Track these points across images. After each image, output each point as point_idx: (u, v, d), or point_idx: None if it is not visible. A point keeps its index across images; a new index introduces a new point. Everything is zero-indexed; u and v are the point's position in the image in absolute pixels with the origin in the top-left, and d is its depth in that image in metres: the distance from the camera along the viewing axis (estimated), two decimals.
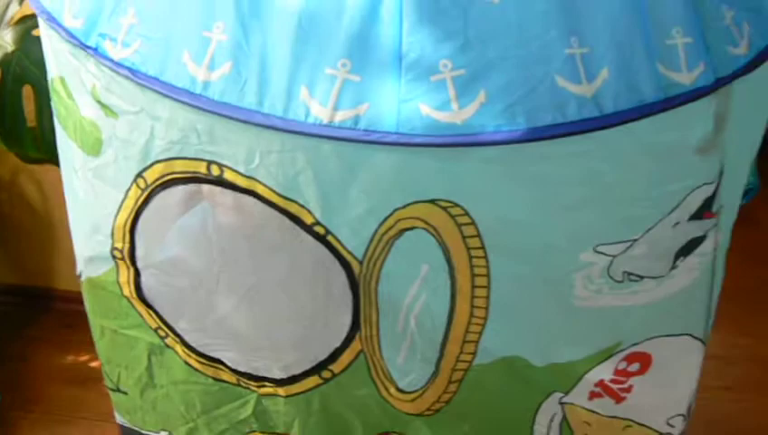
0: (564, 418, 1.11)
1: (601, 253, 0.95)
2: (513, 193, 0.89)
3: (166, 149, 0.95)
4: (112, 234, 1.06)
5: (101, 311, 1.15)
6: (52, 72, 1.06)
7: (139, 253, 1.06)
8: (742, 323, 2.00)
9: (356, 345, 1.02)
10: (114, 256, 1.08)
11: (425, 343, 1.00)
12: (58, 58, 1.03)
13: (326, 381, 1.06)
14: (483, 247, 0.91)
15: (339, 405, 1.08)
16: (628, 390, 1.10)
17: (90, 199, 1.08)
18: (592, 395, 1.08)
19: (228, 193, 0.93)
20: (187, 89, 0.89)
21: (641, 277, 0.99)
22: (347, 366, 1.04)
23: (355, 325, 1.00)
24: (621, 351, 1.05)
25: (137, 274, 1.07)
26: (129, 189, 1.01)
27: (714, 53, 0.92)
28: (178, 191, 0.97)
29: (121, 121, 0.98)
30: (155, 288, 1.07)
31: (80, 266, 1.14)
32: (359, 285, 0.96)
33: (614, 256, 0.96)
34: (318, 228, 0.92)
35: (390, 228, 0.90)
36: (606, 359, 1.05)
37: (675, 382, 1.13)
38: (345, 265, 0.95)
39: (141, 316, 1.11)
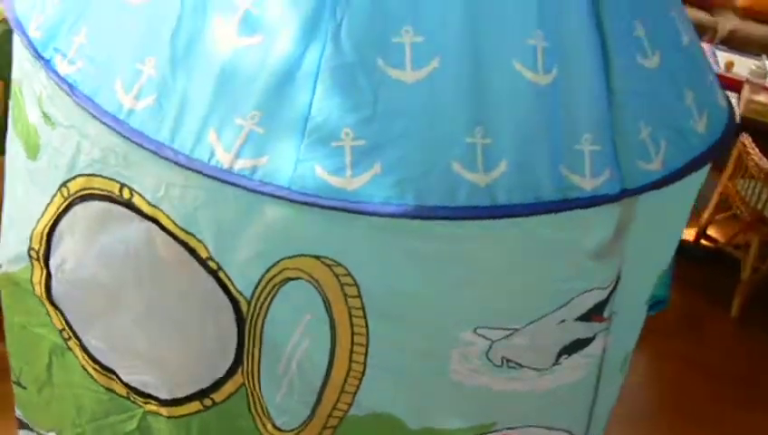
0: None
1: (481, 335, 0.98)
2: (398, 264, 0.91)
3: (88, 164, 1.00)
4: (31, 236, 1.11)
5: (14, 306, 1.19)
6: (15, 73, 1.12)
7: (52, 259, 1.10)
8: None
9: (238, 378, 1.05)
10: (30, 256, 1.12)
11: (303, 386, 1.03)
12: (20, 62, 1.09)
13: (207, 408, 1.08)
14: (362, 308, 0.94)
15: (217, 433, 1.10)
16: None
17: (23, 200, 1.13)
18: None
19: (135, 218, 0.98)
20: (113, 114, 0.93)
21: (521, 366, 1.02)
22: (227, 397, 1.06)
23: (238, 359, 1.03)
24: (496, 431, 1.08)
25: (48, 276, 1.11)
26: (54, 196, 1.05)
27: (624, 164, 0.96)
28: (93, 206, 1.01)
29: (57, 132, 1.02)
30: (63, 293, 1.11)
31: (0, 259, 1.19)
32: (245, 322, 0.99)
33: (493, 341, 0.99)
34: (211, 263, 0.96)
35: (276, 275, 0.93)
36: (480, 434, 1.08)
37: None
38: (234, 301, 0.98)
39: (49, 316, 1.14)
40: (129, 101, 0.92)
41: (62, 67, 0.98)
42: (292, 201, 0.86)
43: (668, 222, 1.08)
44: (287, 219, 0.88)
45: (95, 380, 1.14)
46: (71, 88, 0.96)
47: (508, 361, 1.01)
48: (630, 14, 1.00)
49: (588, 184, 0.93)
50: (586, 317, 1.02)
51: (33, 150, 1.08)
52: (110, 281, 1.06)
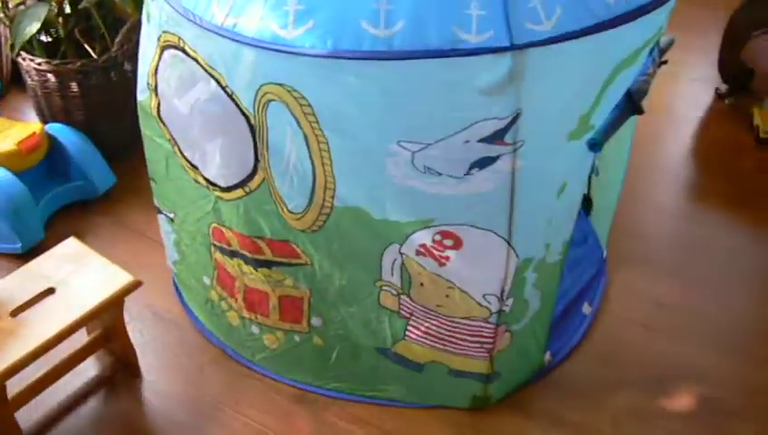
0: (403, 263, 1.55)
1: (403, 147, 1.37)
2: (334, 92, 1.33)
3: (164, 23, 1.51)
4: (148, 72, 1.65)
5: (144, 123, 1.76)
6: None
7: (158, 88, 1.64)
8: None
9: (261, 173, 1.53)
10: (148, 87, 1.67)
11: (300, 182, 1.48)
12: None
13: (247, 194, 1.57)
14: (318, 123, 1.37)
15: (255, 213, 1.60)
16: (447, 258, 1.51)
17: (145, 48, 1.68)
18: (418, 252, 1.51)
19: (186, 59, 1.48)
20: None
21: (440, 173, 1.39)
22: (257, 186, 1.55)
23: (257, 158, 1.51)
24: (435, 226, 1.47)
25: (158, 102, 1.66)
26: (156, 46, 1.59)
27: (514, 26, 1.28)
28: (169, 52, 1.54)
29: (154, 4, 1.55)
30: (166, 114, 1.66)
31: (138, 92, 1.76)
32: (255, 130, 1.47)
33: (413, 152, 1.37)
34: (228, 89, 1.44)
35: (262, 97, 1.38)
36: (423, 228, 1.47)
37: (485, 265, 1.52)
38: (245, 116, 1.45)
39: (162, 130, 1.70)
40: None
41: None
42: (256, 46, 1.31)
43: (571, 74, 1.36)
44: (256, 58, 1.33)
45: (189, 173, 1.69)
46: None
47: (429, 168, 1.39)
48: None
49: (473, 39, 1.27)
50: (489, 140, 1.36)
51: (147, 17, 1.62)
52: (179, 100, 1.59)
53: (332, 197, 1.48)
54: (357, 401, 1.78)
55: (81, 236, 1.87)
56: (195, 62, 1.47)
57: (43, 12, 2.10)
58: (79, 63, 2.15)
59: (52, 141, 2.15)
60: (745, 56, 2.71)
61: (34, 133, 2.09)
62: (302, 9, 1.29)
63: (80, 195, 2.22)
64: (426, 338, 1.66)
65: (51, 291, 1.63)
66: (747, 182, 2.49)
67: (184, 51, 1.48)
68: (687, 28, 3.21)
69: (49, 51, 2.24)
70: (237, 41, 1.33)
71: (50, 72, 2.16)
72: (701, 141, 2.70)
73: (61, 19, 2.21)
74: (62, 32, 2.23)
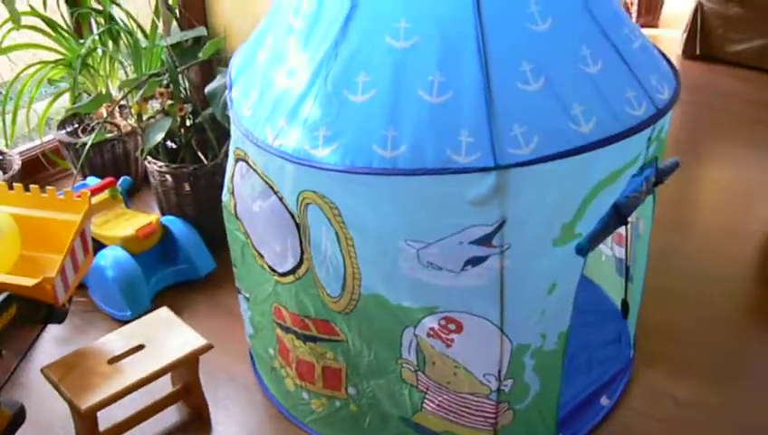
0: (418, 344, 1.84)
1: (409, 245, 1.69)
2: (355, 200, 1.67)
3: (237, 140, 1.92)
4: (228, 179, 2.07)
5: (227, 219, 2.16)
6: None
7: (235, 192, 2.05)
8: None
9: (306, 263, 1.89)
10: (228, 191, 2.08)
11: (335, 271, 1.82)
12: None
13: (297, 279, 1.93)
14: (344, 223, 1.72)
15: (303, 295, 1.94)
16: (452, 340, 1.80)
17: (228, 161, 2.10)
18: (429, 335, 1.81)
19: (251, 171, 1.88)
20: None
21: (440, 268, 1.70)
22: (304, 274, 1.90)
23: (302, 251, 1.87)
24: (440, 312, 1.77)
25: (235, 202, 2.06)
26: (233, 158, 2.00)
27: (497, 150, 1.59)
28: (240, 164, 1.95)
29: (232, 124, 1.97)
30: (241, 212, 2.05)
31: (222, 195, 2.17)
32: (300, 228, 1.83)
33: (417, 250, 1.69)
34: (279, 194, 1.81)
35: (302, 201, 1.75)
36: (430, 314, 1.77)
37: (482, 348, 1.80)
38: (292, 216, 1.82)
39: (238, 224, 2.09)
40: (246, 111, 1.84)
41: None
42: (293, 162, 1.69)
43: (550, 189, 1.65)
44: (295, 171, 1.71)
45: (257, 261, 2.07)
46: None
47: (431, 263, 1.70)
48: (518, 56, 1.62)
49: (463, 159, 1.60)
50: (478, 242, 1.66)
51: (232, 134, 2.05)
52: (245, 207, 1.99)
53: (359, 285, 1.82)
54: None
55: (180, 311, 2.27)
56: (255, 173, 1.86)
57: (167, 124, 2.59)
58: (192, 168, 2.63)
59: (166, 230, 2.61)
60: None
61: (151, 223, 2.55)
62: (329, 135, 1.66)
63: (184, 276, 2.65)
64: (439, 410, 1.93)
65: (141, 347, 2.03)
66: None
67: (248, 163, 1.88)
68: (740, 145, 3.40)
69: (172, 156, 2.73)
70: (282, 157, 1.72)
71: (168, 173, 2.65)
72: (756, 256, 2.85)
73: (183, 130, 2.71)
74: (183, 140, 2.72)
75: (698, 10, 4.17)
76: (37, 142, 3.09)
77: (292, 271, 1.94)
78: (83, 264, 2.10)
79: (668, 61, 2.01)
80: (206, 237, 2.66)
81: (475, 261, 1.69)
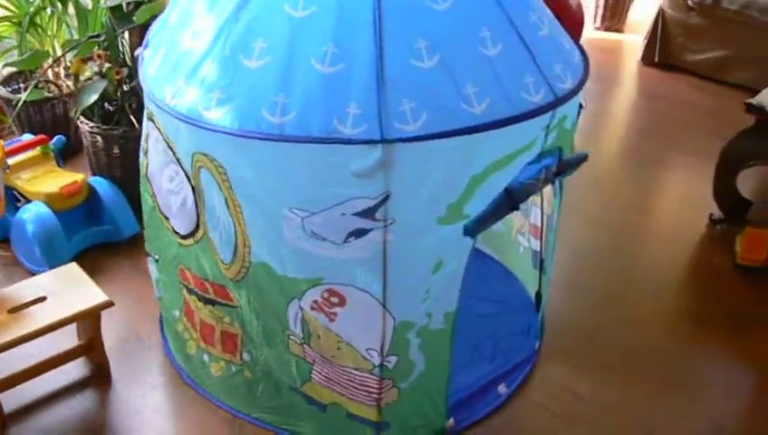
0: (303, 317, 1.86)
1: (294, 213, 1.70)
2: (242, 164, 1.69)
3: (146, 99, 1.94)
4: (143, 138, 2.09)
5: (141, 182, 2.17)
6: None
7: (148, 152, 2.06)
8: None
9: (202, 227, 1.90)
10: (143, 151, 2.09)
11: (227, 238, 1.83)
12: None
13: (196, 242, 1.94)
14: (232, 188, 1.73)
15: (202, 259, 1.94)
16: (335, 314, 1.82)
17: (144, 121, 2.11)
18: (312, 307, 1.82)
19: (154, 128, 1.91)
20: None
21: (324, 238, 1.71)
22: (201, 238, 1.91)
23: (197, 215, 1.89)
24: (323, 284, 1.78)
25: (147, 163, 2.07)
26: (146, 118, 2.02)
27: (385, 124, 1.61)
28: (149, 123, 1.96)
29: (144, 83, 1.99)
30: (150, 173, 2.06)
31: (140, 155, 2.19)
32: (195, 191, 1.84)
33: (302, 218, 1.70)
34: (177, 155, 1.83)
35: (196, 163, 1.77)
36: (314, 286, 1.79)
37: (365, 323, 1.81)
38: (188, 179, 1.84)
39: (148, 186, 2.09)
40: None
41: None
42: (185, 121, 1.70)
43: (436, 167, 1.66)
44: (188, 131, 1.72)
45: (164, 223, 2.06)
46: None
47: (315, 233, 1.71)
48: (414, 33, 1.64)
49: (348, 131, 1.61)
50: (362, 214, 1.68)
51: None
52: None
53: (249, 253, 1.83)
54: (276, 432, 2.07)
55: (102, 271, 2.30)
56: (158, 132, 1.88)
57: (102, 86, 2.60)
58: (122, 130, 2.64)
59: (92, 190, 2.62)
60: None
61: (76, 181, 2.56)
62: (223, 98, 1.67)
63: (107, 237, 2.66)
64: (326, 382, 1.95)
65: (43, 299, 2.04)
66: (718, 304, 2.64)
67: (154, 122, 1.90)
68: (690, 153, 3.44)
69: (107, 119, 2.74)
70: (176, 117, 1.73)
71: (99, 134, 2.65)
72: (685, 261, 2.87)
73: (119, 93, 2.71)
74: (119, 104, 2.73)
75: (660, 17, 4.17)
76: None
77: (191, 234, 1.96)
78: None
79: (583, 53, 2.03)
80: (133, 201, 2.66)
81: (358, 233, 1.71)
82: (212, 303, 2.01)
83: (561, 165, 1.96)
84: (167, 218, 2.04)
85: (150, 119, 1.93)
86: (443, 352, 1.95)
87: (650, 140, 3.66)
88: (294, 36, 1.65)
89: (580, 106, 3.54)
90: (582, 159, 2.06)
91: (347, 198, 1.66)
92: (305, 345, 1.90)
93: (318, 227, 1.71)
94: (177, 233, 2.01)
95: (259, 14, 1.69)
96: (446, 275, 1.82)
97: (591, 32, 4.73)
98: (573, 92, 1.84)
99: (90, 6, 2.92)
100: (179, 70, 1.77)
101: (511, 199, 1.81)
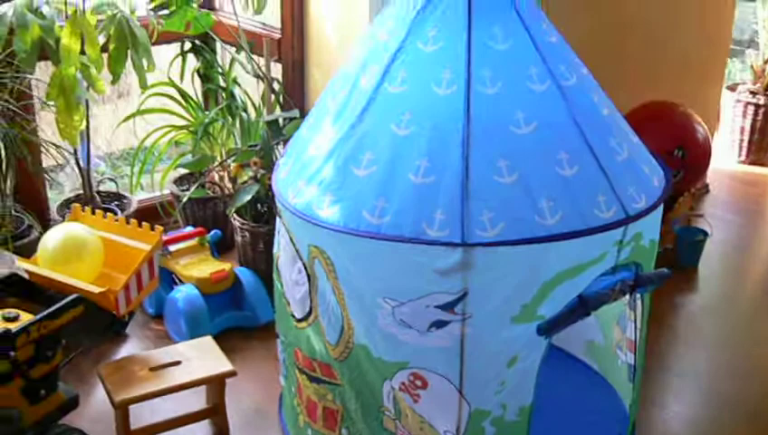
0: (394, 396, 2.08)
1: (386, 302, 1.96)
2: (345, 257, 1.98)
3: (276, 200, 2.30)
4: (277, 232, 2.43)
5: (274, 272, 2.51)
6: None
7: (278, 245, 2.40)
8: None
9: (314, 311, 2.19)
10: (277, 244, 2.44)
11: (335, 321, 2.11)
12: None
13: (309, 325, 2.23)
14: (337, 279, 2.02)
15: (313, 340, 2.21)
16: (419, 396, 2.04)
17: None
18: (401, 388, 2.05)
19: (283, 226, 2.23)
20: None
21: (410, 326, 1.95)
22: (314, 321, 2.20)
23: (311, 300, 2.18)
24: (409, 368, 2.01)
25: (279, 256, 2.41)
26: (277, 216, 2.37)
27: (466, 230, 1.86)
28: (279, 220, 2.30)
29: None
30: (280, 264, 2.40)
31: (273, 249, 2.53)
32: (310, 279, 2.14)
33: (392, 307, 1.95)
34: (296, 247, 2.14)
35: (310, 254, 2.07)
36: (402, 368, 2.02)
37: (443, 406, 2.02)
38: (305, 267, 2.14)
39: (277, 275, 2.43)
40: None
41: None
42: (302, 217, 2.02)
43: (511, 271, 1.88)
44: (303, 227, 2.04)
45: (286, 308, 2.38)
46: None
47: (403, 321, 1.96)
48: (496, 153, 1.90)
49: (434, 234, 1.87)
50: (443, 308, 1.91)
51: None
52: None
53: (352, 336, 2.10)
54: None
55: (236, 350, 2.63)
56: (284, 227, 2.21)
57: (254, 189, 3.01)
58: (267, 228, 3.02)
59: (237, 279, 3.00)
60: None
61: (224, 270, 2.95)
62: (333, 199, 1.99)
63: (246, 322, 3.01)
64: None
65: (178, 362, 2.39)
66: None
67: (281, 218, 2.24)
68: None
69: (257, 217, 3.15)
70: (294, 213, 2.06)
71: (248, 230, 3.06)
72: None
73: (269, 196, 3.12)
74: (270, 206, 3.14)
75: None
76: (158, 193, 3.63)
77: (305, 318, 2.25)
78: (147, 285, 2.52)
79: (669, 180, 2.20)
80: (272, 292, 3.01)
81: (439, 324, 1.94)
82: (318, 381, 2.28)
83: (638, 279, 2.12)
84: (288, 304, 2.36)
85: (279, 216, 2.28)
86: None
87: None
88: (396, 151, 1.96)
89: (705, 233, 3.66)
90: (663, 276, 2.20)
91: (430, 292, 1.91)
92: (397, 421, 2.12)
93: (405, 316, 1.96)
94: (293, 317, 2.32)
95: (370, 130, 2.01)
96: (520, 369, 2.00)
97: (735, 165, 4.81)
98: (646, 212, 2.02)
99: (253, 119, 3.40)
100: (302, 174, 2.11)
101: (584, 306, 1.99)
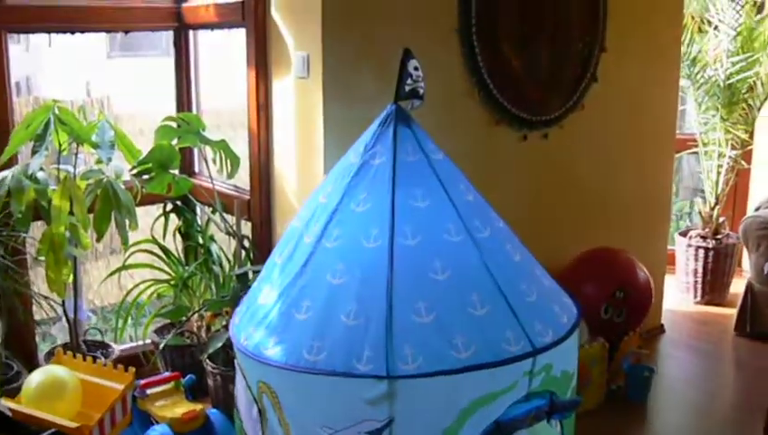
0: None
1: (324, 430, 2.20)
2: (288, 392, 2.24)
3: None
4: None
5: (235, 416, 2.76)
6: None
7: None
8: None
9: None
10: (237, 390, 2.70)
11: None
12: None
13: None
14: (283, 411, 2.27)
15: None
16: None
17: None
18: None
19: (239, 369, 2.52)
20: None
21: None
22: None
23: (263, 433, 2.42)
24: None
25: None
26: None
27: (390, 364, 2.14)
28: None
29: None
30: (239, 406, 2.66)
31: None
32: (261, 414, 2.39)
33: (329, 434, 2.20)
34: (248, 385, 2.41)
35: (259, 390, 2.34)
36: None
37: None
38: (256, 403, 2.39)
39: (237, 417, 2.68)
40: None
41: None
42: (251, 357, 2.30)
43: (430, 399, 2.14)
44: (253, 365, 2.32)
45: None
46: None
47: None
48: (416, 296, 2.20)
49: (362, 368, 2.15)
50: (372, 434, 2.16)
51: None
52: None
53: None
54: None
55: None
56: (240, 368, 2.49)
57: (225, 336, 3.28)
58: None
59: (207, 419, 3.23)
60: None
61: (195, 410, 3.18)
62: (277, 340, 2.28)
63: None
64: None
65: None
66: None
67: (237, 360, 2.51)
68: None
69: (229, 363, 3.41)
70: (244, 353, 2.34)
71: (219, 375, 3.32)
72: None
73: None
74: None
75: (749, 291, 4.48)
76: (141, 343, 3.91)
77: None
78: (120, 423, 2.76)
79: (579, 317, 2.49)
80: None
81: None
82: None
83: (552, 406, 2.36)
84: None
85: (235, 358, 2.55)
86: None
87: (725, 404, 3.90)
88: (331, 298, 2.26)
89: (651, 370, 3.90)
90: (574, 403, 2.45)
91: (362, 419, 2.17)
92: None
93: None
94: None
95: (309, 281, 2.33)
96: None
97: (691, 306, 5.09)
98: (552, 345, 2.29)
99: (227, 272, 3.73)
100: (252, 320, 2.41)
101: (499, 430, 2.23)
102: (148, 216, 3.99)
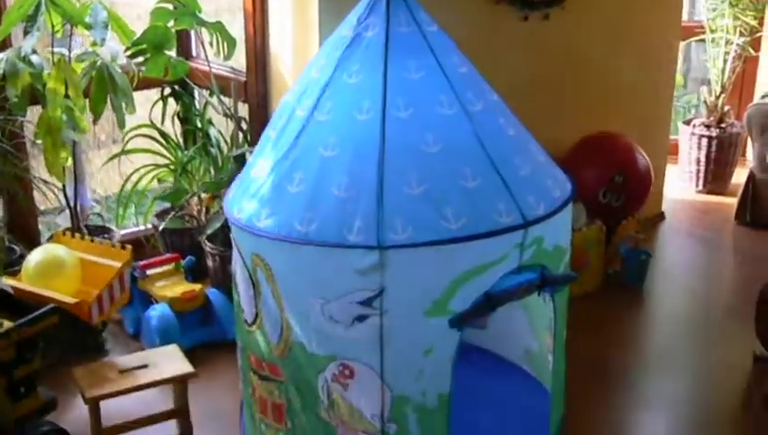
0: (328, 387, 2.34)
1: (316, 300, 2.24)
2: (281, 262, 2.27)
3: None
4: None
5: (233, 288, 2.80)
6: None
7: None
8: None
9: (260, 315, 2.47)
10: (234, 262, 2.73)
11: (276, 323, 2.38)
12: None
13: (257, 329, 2.51)
14: (276, 283, 2.30)
15: (261, 342, 2.49)
16: (347, 385, 2.30)
17: None
18: (332, 379, 2.31)
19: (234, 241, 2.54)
20: None
21: (337, 321, 2.23)
22: (261, 324, 2.48)
23: (257, 306, 2.46)
24: (338, 359, 2.28)
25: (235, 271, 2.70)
26: None
27: (381, 234, 2.15)
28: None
29: None
30: (236, 278, 2.69)
31: None
32: (254, 286, 2.42)
33: (321, 305, 2.23)
34: (243, 258, 2.44)
35: (253, 263, 2.36)
36: (332, 361, 2.29)
37: (368, 392, 2.28)
38: (250, 276, 2.43)
39: (234, 287, 2.72)
40: None
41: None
42: (244, 229, 2.32)
43: (421, 269, 2.16)
44: (246, 237, 2.34)
45: (241, 315, 2.67)
46: None
47: (331, 317, 2.24)
48: (407, 168, 2.20)
49: (354, 239, 2.16)
50: (363, 303, 2.19)
51: None
52: None
53: (290, 334, 2.37)
54: None
55: (204, 362, 2.91)
56: (234, 242, 2.51)
57: (223, 218, 3.30)
58: None
59: (207, 299, 3.30)
60: None
61: (194, 290, 3.25)
62: (269, 212, 2.29)
63: (214, 337, 3.29)
64: None
65: (145, 366, 2.67)
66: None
67: (232, 234, 2.54)
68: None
69: (228, 243, 3.44)
70: (237, 226, 2.36)
71: (217, 255, 3.36)
72: (725, 396, 3.10)
73: None
74: None
75: (750, 180, 4.47)
76: (142, 227, 3.95)
77: (254, 322, 2.54)
78: (119, 299, 2.82)
79: (573, 192, 2.49)
80: None
81: (361, 318, 2.22)
82: (266, 379, 2.55)
83: (546, 279, 2.39)
84: (243, 311, 2.64)
85: (230, 232, 2.57)
86: (440, 431, 2.36)
87: (722, 290, 3.94)
88: (323, 170, 2.26)
89: (648, 254, 3.92)
90: (568, 278, 2.47)
91: (353, 289, 2.20)
92: (330, 411, 2.38)
93: (333, 312, 2.24)
94: (246, 322, 2.60)
95: (301, 154, 2.32)
96: (436, 359, 2.27)
97: (693, 195, 5.08)
98: (544, 217, 2.30)
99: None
100: (246, 193, 2.41)
101: (489, 302, 2.26)
102: (147, 102, 3.97)
